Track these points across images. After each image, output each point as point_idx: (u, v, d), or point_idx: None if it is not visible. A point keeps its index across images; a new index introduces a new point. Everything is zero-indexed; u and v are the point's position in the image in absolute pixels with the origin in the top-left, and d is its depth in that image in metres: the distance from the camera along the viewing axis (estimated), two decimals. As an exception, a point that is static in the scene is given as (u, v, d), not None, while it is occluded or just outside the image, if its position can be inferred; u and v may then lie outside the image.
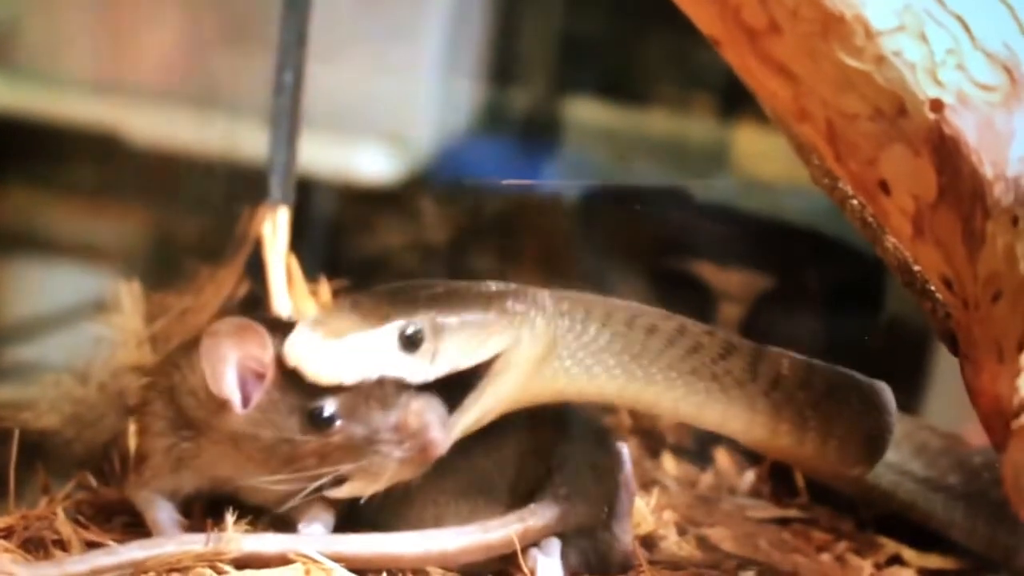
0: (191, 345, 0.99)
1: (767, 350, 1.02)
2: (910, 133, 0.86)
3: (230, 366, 0.95)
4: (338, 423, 0.95)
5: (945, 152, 0.86)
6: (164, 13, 1.75)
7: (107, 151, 1.69)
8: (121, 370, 1.16)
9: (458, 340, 0.96)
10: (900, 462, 1.18)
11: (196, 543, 0.95)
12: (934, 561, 1.15)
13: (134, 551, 0.94)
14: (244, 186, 1.37)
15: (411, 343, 0.95)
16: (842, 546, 1.15)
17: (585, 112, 1.89)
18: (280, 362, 0.95)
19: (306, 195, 1.61)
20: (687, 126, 1.89)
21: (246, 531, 0.96)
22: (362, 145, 1.78)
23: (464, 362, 0.96)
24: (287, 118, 1.20)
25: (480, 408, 0.97)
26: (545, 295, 1.00)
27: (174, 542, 0.95)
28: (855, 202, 1.06)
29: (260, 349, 0.95)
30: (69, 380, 1.17)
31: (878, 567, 1.13)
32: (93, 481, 1.05)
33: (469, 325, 0.97)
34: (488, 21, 1.88)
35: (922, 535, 1.17)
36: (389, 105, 1.82)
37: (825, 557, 1.13)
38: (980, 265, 0.86)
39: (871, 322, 1.48)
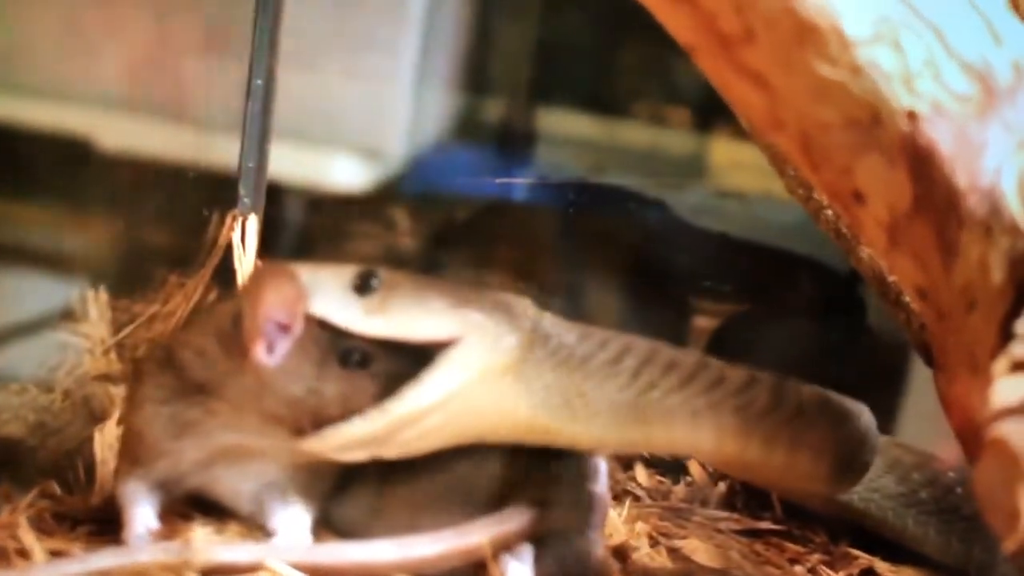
0: (192, 318, 0.98)
1: (757, 376, 1.01)
2: (885, 143, 0.86)
3: (265, 315, 0.95)
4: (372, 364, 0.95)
5: (920, 162, 0.85)
6: (134, 20, 1.74)
7: (76, 159, 1.68)
8: (87, 378, 1.15)
9: (409, 303, 0.97)
10: (872, 478, 1.18)
11: (165, 552, 0.93)
12: (907, 573, 1.14)
13: (103, 559, 0.93)
14: (215, 194, 1.35)
15: (364, 286, 0.96)
16: (815, 558, 1.15)
17: (559, 123, 1.88)
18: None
19: (278, 203, 1.60)
20: (663, 137, 1.89)
21: (215, 537, 0.95)
22: (335, 154, 1.77)
23: (409, 330, 0.96)
24: (258, 124, 1.19)
25: (417, 398, 0.95)
26: (529, 310, 0.99)
27: (144, 551, 0.94)
28: (829, 212, 1.06)
29: (296, 301, 0.94)
30: (34, 388, 1.15)
31: (849, 580, 1.12)
32: (57, 490, 1.04)
33: (426, 295, 0.97)
34: (462, 31, 1.88)
35: (894, 548, 1.16)
36: (363, 115, 1.81)
37: (798, 569, 1.12)
38: (954, 275, 0.86)
39: (848, 340, 1.48)
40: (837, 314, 1.51)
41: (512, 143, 1.86)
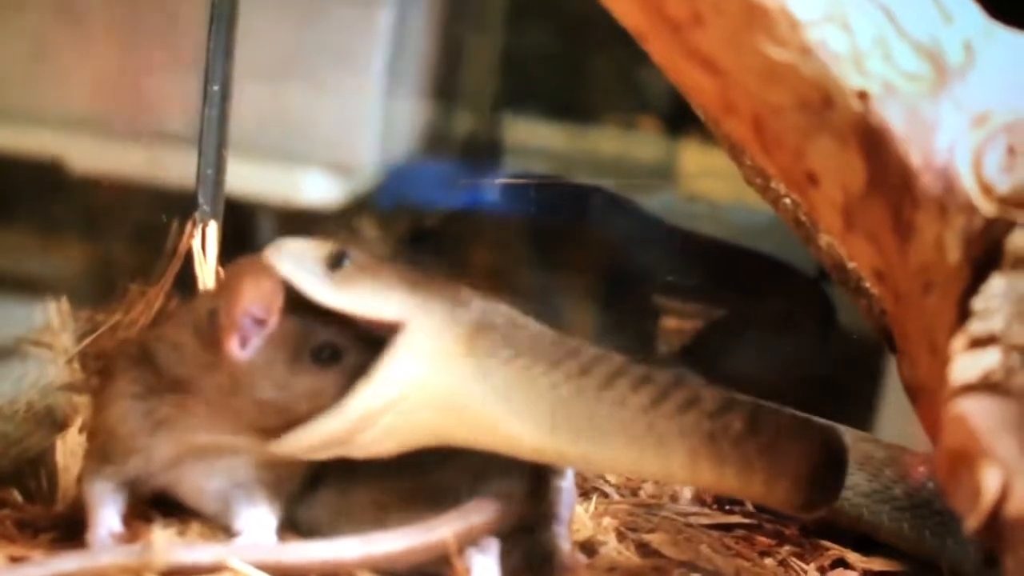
0: (159, 319, 0.98)
1: (728, 397, 0.98)
2: (837, 124, 0.86)
3: (241, 308, 0.95)
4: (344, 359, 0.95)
5: (872, 143, 0.85)
6: (102, 41, 1.74)
7: (40, 180, 1.68)
8: (50, 388, 1.14)
9: (367, 282, 0.97)
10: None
11: (126, 554, 0.93)
12: (878, 564, 1.14)
13: (63, 563, 0.92)
14: (181, 209, 1.35)
15: (336, 263, 0.97)
16: (785, 550, 1.14)
17: (529, 132, 1.89)
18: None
19: (246, 219, 1.60)
20: (632, 145, 1.89)
21: (177, 538, 0.94)
22: (306, 170, 1.77)
23: (362, 307, 0.96)
24: (215, 130, 1.19)
25: (370, 393, 0.95)
26: (474, 297, 0.99)
27: (105, 553, 0.93)
28: (788, 201, 1.06)
29: (273, 295, 0.94)
30: (-2, 397, 1.15)
31: (822, 571, 1.12)
32: (19, 498, 1.03)
33: (384, 278, 0.97)
34: (430, 43, 1.88)
35: (866, 539, 1.16)
36: (332, 129, 1.81)
37: (768, 562, 1.12)
38: (910, 256, 0.86)
39: (817, 339, 1.48)
40: (805, 313, 1.52)
41: (482, 153, 1.86)
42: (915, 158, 0.84)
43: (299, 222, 1.75)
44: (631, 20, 0.88)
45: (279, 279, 0.95)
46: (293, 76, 1.75)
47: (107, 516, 0.98)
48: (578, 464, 1.03)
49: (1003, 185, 0.83)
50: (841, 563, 1.14)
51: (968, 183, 0.84)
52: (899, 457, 1.17)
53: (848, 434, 1.16)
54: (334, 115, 1.80)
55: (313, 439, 0.95)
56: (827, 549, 1.16)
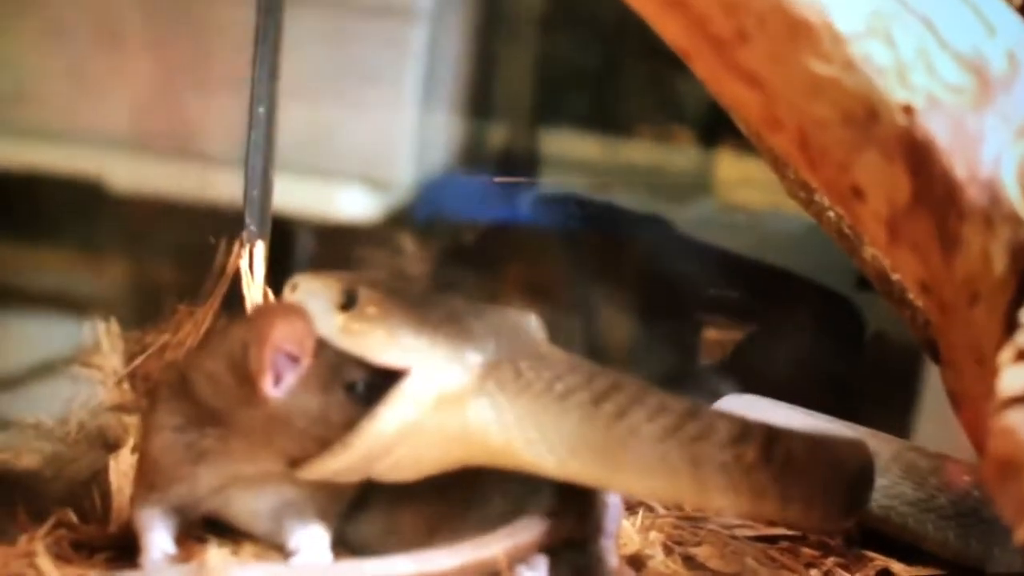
0: (205, 342, 0.99)
1: (744, 426, 0.98)
2: (882, 138, 0.86)
3: (273, 347, 0.95)
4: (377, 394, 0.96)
5: (917, 156, 0.86)
6: (140, 59, 1.75)
7: (85, 200, 1.69)
8: (100, 408, 1.15)
9: (371, 327, 0.97)
10: (889, 485, 1.18)
11: (181, 573, 0.94)
12: (923, 573, 1.14)
13: (121, 582, 0.93)
14: (226, 230, 1.36)
15: (347, 302, 0.97)
16: (830, 562, 1.14)
17: (565, 145, 1.89)
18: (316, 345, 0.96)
19: (286, 235, 1.61)
20: (668, 156, 1.89)
21: (231, 558, 0.95)
22: (343, 186, 1.77)
23: (370, 351, 0.97)
24: (261, 152, 1.20)
25: (371, 432, 0.95)
26: (486, 333, 0.99)
27: (160, 573, 0.94)
28: (831, 214, 1.06)
29: (306, 333, 0.95)
30: (49, 422, 1.16)
31: (866, 582, 1.12)
32: (74, 518, 1.04)
33: (387, 321, 0.97)
34: (465, 57, 1.88)
35: (911, 549, 1.16)
36: (369, 145, 1.82)
37: (813, 573, 1.12)
38: (956, 268, 0.86)
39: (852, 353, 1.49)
40: (834, 326, 1.52)
41: (518, 166, 1.87)
42: (960, 170, 0.85)
43: (337, 238, 1.75)
44: (675, 39, 0.89)
45: (309, 317, 0.95)
46: (329, 93, 1.75)
47: (159, 539, 0.99)
48: (597, 487, 1.02)
49: (1048, 196, 0.83)
50: (886, 573, 1.14)
51: (1013, 194, 0.84)
52: (943, 466, 1.17)
53: (893, 443, 1.16)
54: (370, 131, 1.81)
55: (327, 471, 0.96)
56: (872, 559, 1.16)
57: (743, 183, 1.78)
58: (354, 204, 1.77)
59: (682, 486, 0.96)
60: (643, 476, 0.96)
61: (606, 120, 1.89)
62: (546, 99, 1.92)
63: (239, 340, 0.98)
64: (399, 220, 1.78)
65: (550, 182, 1.86)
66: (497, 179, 1.83)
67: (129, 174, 1.66)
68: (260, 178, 1.21)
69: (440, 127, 1.89)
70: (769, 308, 1.56)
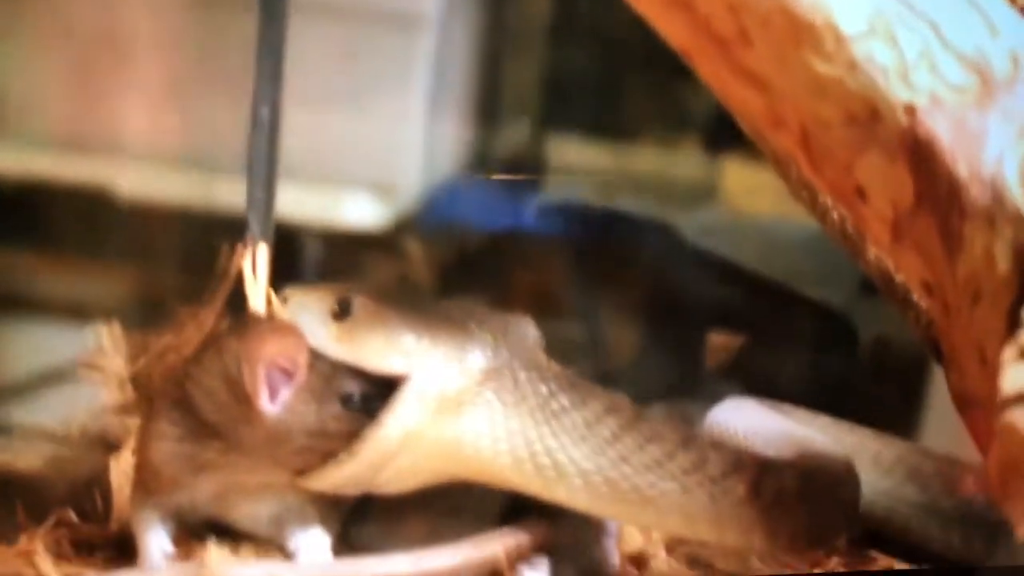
0: (204, 353, 1.00)
1: (735, 459, 0.98)
2: (884, 138, 0.86)
3: (266, 364, 0.95)
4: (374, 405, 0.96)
5: (920, 156, 0.85)
6: (146, 66, 1.75)
7: (92, 209, 1.69)
8: (103, 411, 1.15)
9: (369, 334, 0.97)
10: (893, 487, 1.17)
11: (180, 572, 0.93)
12: (927, 573, 1.13)
13: (120, 581, 0.93)
14: (231, 235, 1.36)
15: (342, 311, 0.97)
16: (834, 561, 1.14)
17: (572, 153, 1.89)
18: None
19: (291, 243, 1.61)
20: (675, 163, 1.89)
21: (230, 558, 0.95)
22: (350, 193, 1.77)
23: (366, 361, 0.96)
24: (264, 154, 1.20)
25: (379, 439, 0.95)
26: (486, 342, 0.98)
27: (159, 572, 0.94)
28: (835, 215, 1.06)
29: (298, 348, 0.95)
30: (52, 423, 1.16)
31: (862, 578, 1.12)
32: (74, 518, 1.04)
33: (387, 327, 0.97)
34: (473, 63, 1.88)
35: (915, 550, 1.16)
36: (376, 152, 1.82)
37: (818, 572, 1.12)
38: (959, 268, 0.86)
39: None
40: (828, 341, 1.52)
41: (525, 173, 1.86)
42: (962, 170, 0.85)
43: (343, 244, 1.75)
44: (677, 39, 0.89)
45: (301, 332, 0.95)
46: (336, 100, 1.75)
47: (156, 539, 0.99)
48: (587, 511, 1.01)
49: (1051, 196, 0.83)
50: (890, 574, 1.14)
51: (1016, 194, 0.84)
52: (948, 468, 1.17)
53: (897, 446, 1.16)
54: (378, 138, 1.81)
55: (331, 482, 0.96)
56: (875, 559, 1.15)
57: (750, 190, 1.77)
58: (361, 211, 1.77)
59: (670, 518, 0.97)
60: (629, 506, 0.96)
61: (613, 127, 1.89)
62: (553, 106, 1.92)
63: (234, 356, 0.98)
64: (407, 227, 1.78)
65: (557, 189, 1.85)
66: (504, 186, 1.83)
67: (135, 181, 1.67)
68: (263, 180, 1.21)
69: (447, 134, 1.89)
70: (764, 317, 1.56)
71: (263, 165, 1.20)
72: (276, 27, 1.18)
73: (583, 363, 1.53)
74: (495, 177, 1.83)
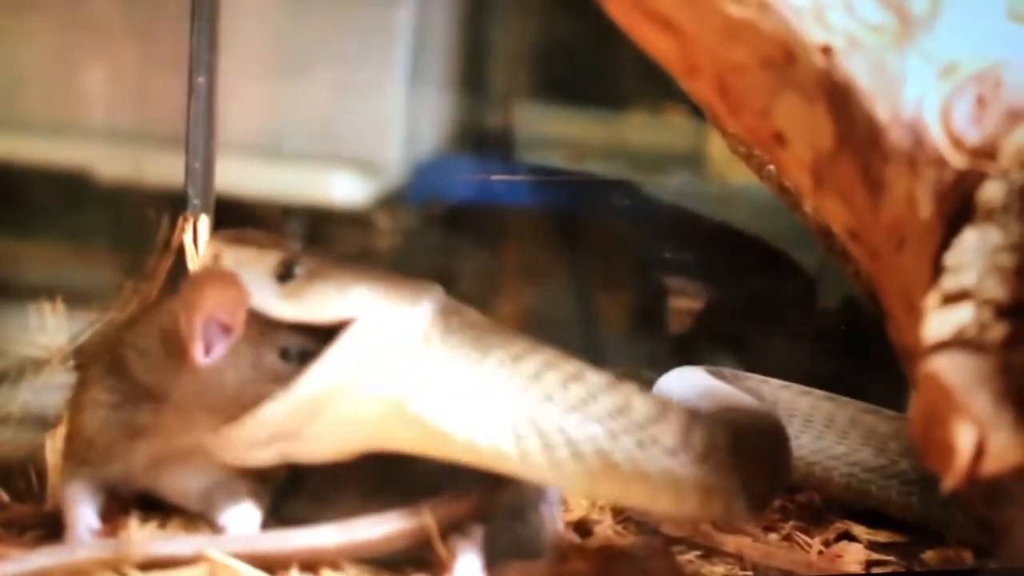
0: (135, 316, 1.00)
1: (668, 404, 0.95)
2: (801, 81, 0.84)
3: (204, 316, 0.94)
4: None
5: (839, 98, 0.83)
6: (124, 48, 1.73)
7: (70, 191, 1.68)
8: (44, 388, 1.14)
9: (320, 288, 0.95)
10: (849, 452, 1.16)
11: (103, 548, 0.92)
12: (884, 536, 1.11)
13: (40, 558, 0.92)
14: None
15: (285, 274, 0.95)
16: (789, 525, 1.12)
17: (556, 123, 1.87)
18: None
19: (277, 219, 1.59)
20: (660, 132, 1.87)
21: (157, 532, 0.93)
22: (333, 170, 1.76)
23: (315, 312, 0.95)
24: (202, 124, 1.18)
25: (319, 376, 0.93)
26: (432, 296, 0.96)
27: (81, 548, 0.93)
28: (772, 168, 1.03)
29: (238, 302, 0.94)
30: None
31: (827, 544, 1.10)
32: (6, 497, 1.03)
33: (338, 280, 0.95)
34: (453, 37, 1.87)
35: (873, 512, 1.14)
36: (358, 128, 1.80)
37: (772, 536, 1.10)
38: (882, 213, 0.84)
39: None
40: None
41: (509, 145, 1.85)
42: (882, 112, 0.82)
43: (328, 221, 1.74)
44: (590, -15, 0.87)
45: (242, 286, 0.94)
46: (317, 76, 1.74)
47: (85, 514, 0.97)
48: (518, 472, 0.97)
49: (973, 136, 0.81)
50: (846, 536, 1.12)
51: (937, 135, 0.81)
52: (904, 428, 1.15)
53: (848, 407, 1.14)
54: (359, 113, 1.79)
55: (264, 426, 0.93)
56: (832, 522, 1.13)
57: (734, 158, 1.75)
58: (345, 188, 1.75)
59: (597, 470, 0.92)
60: (552, 451, 0.93)
61: (597, 97, 1.87)
62: (536, 77, 1.90)
63: (171, 313, 0.97)
64: (391, 203, 1.77)
65: (539, 157, 1.84)
66: (487, 158, 1.82)
67: (114, 163, 1.65)
68: (202, 151, 1.19)
69: (430, 107, 1.87)
70: (727, 270, 1.54)
71: (201, 135, 1.19)
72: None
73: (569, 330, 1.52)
74: (477, 150, 1.81)
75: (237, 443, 0.93)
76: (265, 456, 0.95)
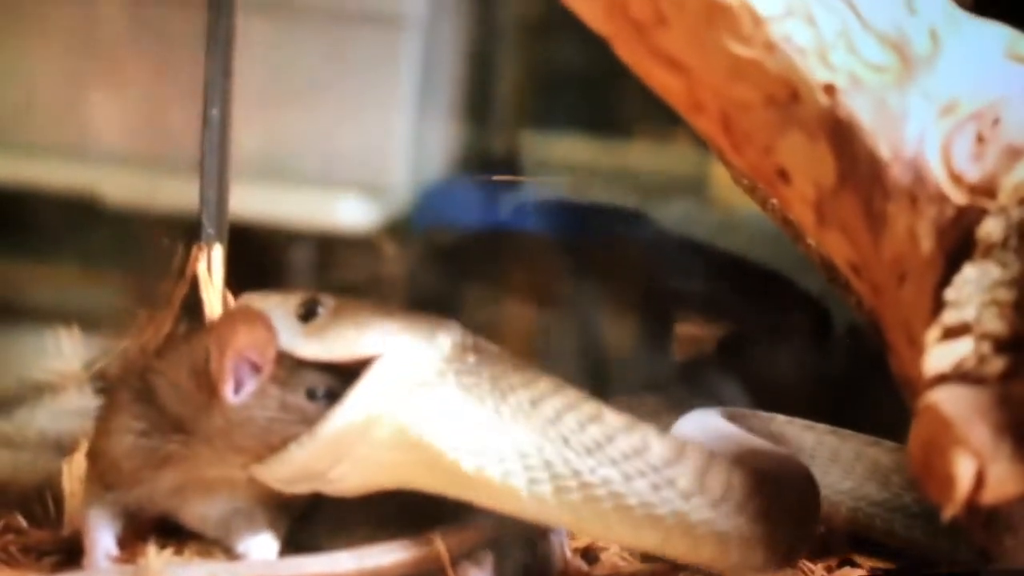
0: (167, 346, 1.02)
1: (685, 446, 0.95)
2: (805, 119, 0.85)
3: (235, 354, 0.95)
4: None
5: (841, 136, 0.85)
6: (136, 74, 1.75)
7: (81, 215, 1.69)
8: (61, 414, 1.16)
9: (342, 326, 0.96)
10: (855, 487, 1.17)
11: (121, 574, 0.94)
12: (885, 562, 1.12)
13: (58, 585, 0.93)
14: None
15: (307, 313, 0.97)
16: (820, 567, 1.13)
17: (562, 149, 1.88)
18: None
19: (282, 245, 1.61)
20: (665, 158, 1.89)
21: (173, 558, 0.95)
22: (340, 194, 1.77)
23: (340, 351, 0.96)
24: (216, 154, 1.19)
25: (343, 417, 0.94)
26: (450, 332, 0.97)
27: (99, 574, 0.94)
28: (775, 201, 1.05)
29: (268, 341, 0.95)
30: (6, 426, 1.16)
31: (829, 570, 1.11)
32: (23, 523, 1.04)
33: (361, 314, 0.97)
34: (459, 63, 1.88)
35: (875, 543, 1.15)
36: (365, 153, 1.82)
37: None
38: (884, 248, 0.85)
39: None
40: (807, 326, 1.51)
41: (515, 171, 1.86)
42: (884, 149, 0.84)
43: (335, 246, 1.75)
44: (597, 23, 0.89)
45: (272, 326, 0.95)
46: (324, 101, 1.75)
47: (104, 539, 0.99)
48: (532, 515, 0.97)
49: (973, 174, 0.82)
50: (848, 562, 1.13)
51: (938, 173, 0.83)
52: (905, 461, 1.16)
53: (853, 440, 1.15)
54: (366, 138, 1.81)
55: (290, 467, 0.94)
56: (835, 551, 1.14)
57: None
58: (351, 213, 1.76)
59: (609, 511, 0.93)
60: (567, 494, 0.94)
61: (603, 123, 1.88)
62: (542, 103, 1.91)
63: (202, 347, 0.98)
64: (397, 228, 1.78)
65: (545, 185, 1.85)
66: (494, 184, 1.83)
67: (126, 188, 1.67)
68: (216, 181, 1.21)
69: (436, 133, 1.88)
70: (746, 305, 1.55)
71: (215, 165, 1.20)
72: (224, 24, 1.18)
73: (576, 356, 1.53)
74: (485, 176, 1.83)
75: (266, 479, 0.95)
76: (292, 489, 0.96)
